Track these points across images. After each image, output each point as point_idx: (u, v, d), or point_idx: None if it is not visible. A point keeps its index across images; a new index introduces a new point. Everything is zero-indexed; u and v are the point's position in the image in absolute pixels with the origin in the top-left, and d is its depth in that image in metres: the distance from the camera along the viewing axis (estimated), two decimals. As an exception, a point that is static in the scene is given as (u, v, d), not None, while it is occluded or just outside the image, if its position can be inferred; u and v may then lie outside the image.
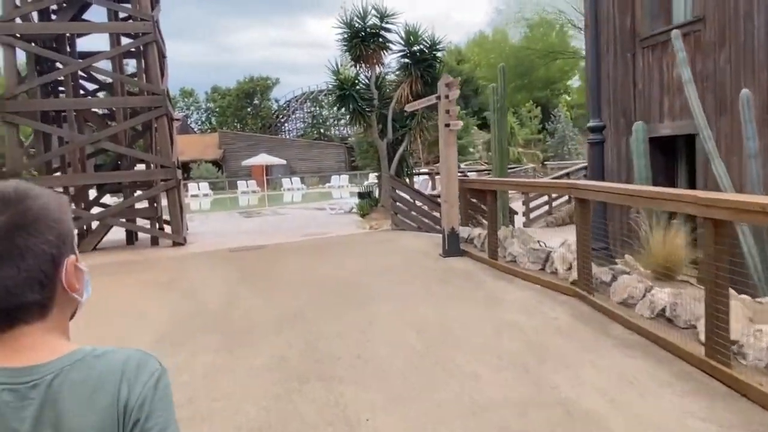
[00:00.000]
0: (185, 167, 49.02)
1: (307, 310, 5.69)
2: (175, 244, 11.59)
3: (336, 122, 64.20)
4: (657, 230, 5.81)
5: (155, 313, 6.00)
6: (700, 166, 8.63)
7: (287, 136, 61.45)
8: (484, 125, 53.19)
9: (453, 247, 8.45)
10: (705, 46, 8.30)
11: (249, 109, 65.71)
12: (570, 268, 6.45)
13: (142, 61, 12.16)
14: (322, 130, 62.08)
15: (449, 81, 8.31)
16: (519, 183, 7.99)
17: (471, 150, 51.41)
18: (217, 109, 69.62)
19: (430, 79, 14.03)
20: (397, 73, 14.62)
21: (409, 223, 12.33)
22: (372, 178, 43.05)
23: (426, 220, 12.45)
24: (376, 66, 14.32)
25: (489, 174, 27.19)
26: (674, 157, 9.89)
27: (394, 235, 11.35)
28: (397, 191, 12.37)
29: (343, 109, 14.18)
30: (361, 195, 16.07)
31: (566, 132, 50.01)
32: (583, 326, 4.87)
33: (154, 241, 11.97)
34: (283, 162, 43.58)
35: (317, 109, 63.95)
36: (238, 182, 43.04)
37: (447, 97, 8.28)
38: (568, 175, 19.54)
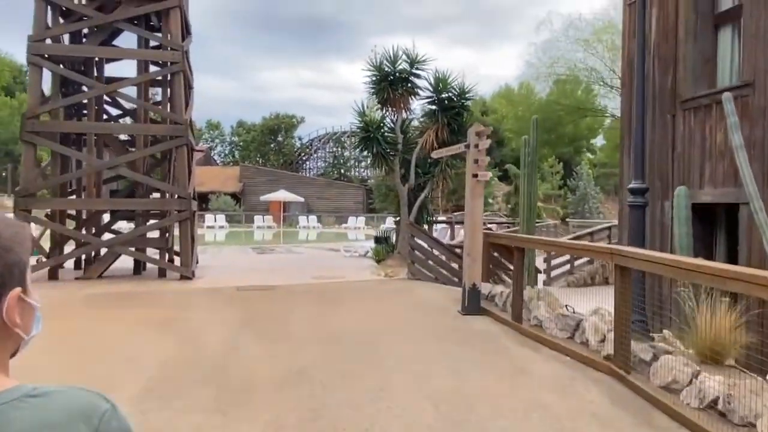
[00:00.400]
0: (204, 198, 49.33)
1: (313, 368, 5.16)
2: (183, 277, 11.18)
3: (357, 164, 64.53)
4: (704, 307, 5.25)
5: (147, 358, 5.51)
6: (743, 237, 8.07)
7: (308, 174, 61.73)
8: (504, 177, 53.04)
9: (473, 304, 7.90)
10: (753, 112, 7.85)
11: (272, 145, 66.43)
12: (603, 340, 5.87)
13: (168, 90, 12.04)
14: (342, 171, 62.33)
15: (480, 130, 7.94)
16: (553, 243, 7.49)
17: (490, 201, 51.07)
18: (241, 143, 70.52)
19: (456, 127, 13.75)
20: (423, 119, 14.37)
21: (426, 272, 11.82)
22: (389, 222, 42.81)
23: (444, 271, 11.93)
24: (403, 110, 14.09)
25: (510, 227, 26.67)
26: (713, 227, 9.34)
27: (411, 285, 10.82)
28: (415, 239, 11.90)
29: (366, 151, 13.89)
30: (377, 239, 15.63)
31: (588, 190, 49.52)
32: (623, 413, 4.28)
33: (162, 273, 11.57)
34: (302, 199, 43.49)
35: (339, 149, 64.40)
36: (254, 216, 42.93)
37: (477, 146, 7.89)
38: (591, 234, 18.92)
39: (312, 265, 14.68)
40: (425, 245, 11.90)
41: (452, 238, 18.39)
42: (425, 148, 13.69)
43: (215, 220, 40.29)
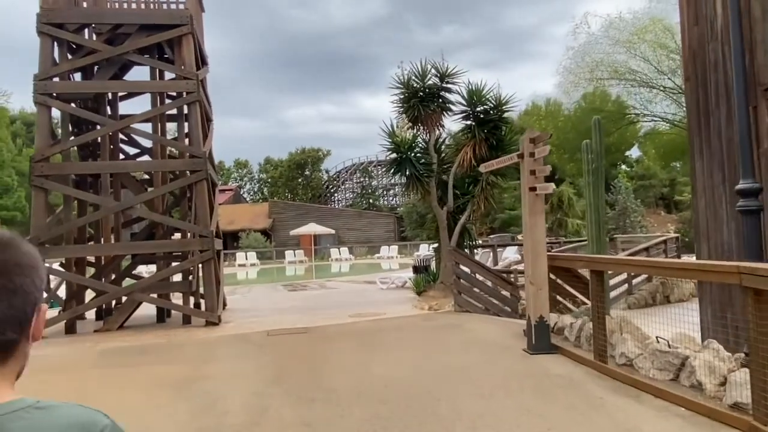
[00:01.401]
0: (235, 236, 48.97)
1: (359, 441, 4.04)
2: (209, 323, 10.20)
3: (385, 192, 63.80)
4: None
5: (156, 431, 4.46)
6: None
7: (337, 206, 61.19)
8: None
9: (542, 340, 6.68)
10: None
11: (300, 180, 66.39)
12: (723, 383, 4.61)
13: (185, 123, 11.27)
14: (371, 200, 61.63)
15: (535, 135, 6.83)
16: (644, 264, 6.24)
17: (525, 221, 49.46)
18: (269, 180, 70.72)
19: (495, 142, 12.65)
20: (459, 135, 13.30)
21: (475, 303, 10.60)
22: (423, 249, 41.54)
23: (495, 301, 10.71)
24: (436, 128, 13.06)
25: (552, 247, 25.17)
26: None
27: (460, 318, 9.62)
28: (460, 266, 10.73)
29: (398, 175, 12.85)
30: (416, 269, 14.47)
31: (628, 203, 47.64)
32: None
33: (187, 320, 10.62)
34: (332, 231, 42.66)
35: (367, 179, 63.83)
36: (285, 252, 42.19)
37: (532, 155, 6.77)
38: (647, 249, 17.43)
39: (348, 301, 13.58)
40: (472, 273, 10.72)
41: (495, 262, 17.11)
42: (462, 167, 12.61)
43: (246, 258, 39.62)
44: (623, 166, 61.36)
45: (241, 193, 73.11)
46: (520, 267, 17.32)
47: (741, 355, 4.90)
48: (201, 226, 10.38)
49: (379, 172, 63.84)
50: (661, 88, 25.89)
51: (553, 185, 6.38)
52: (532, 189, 6.71)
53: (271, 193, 67.92)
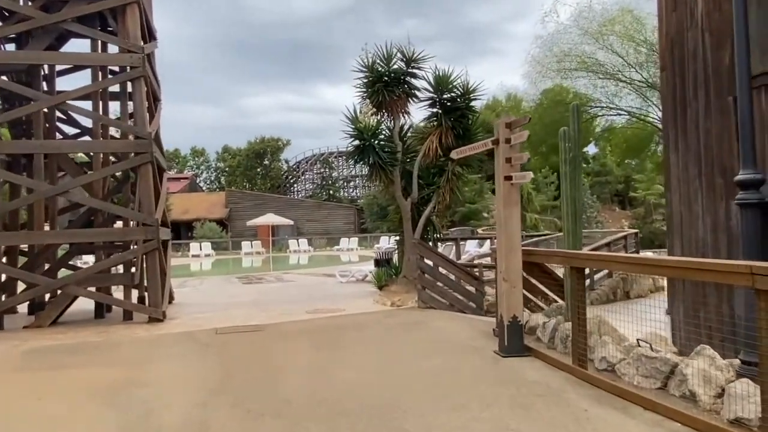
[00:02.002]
0: (189, 226, 47.36)
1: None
2: (152, 319, 9.38)
3: (345, 184, 63.00)
4: None
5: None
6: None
7: (296, 197, 60.12)
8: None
9: (515, 342, 6.18)
10: None
11: (259, 170, 65.03)
12: (721, 395, 4.18)
13: (128, 102, 10.34)
14: (331, 192, 60.77)
15: (511, 120, 6.30)
16: (637, 261, 5.78)
17: (485, 215, 49.58)
18: (227, 169, 69.03)
19: (461, 131, 12.14)
20: (424, 123, 12.74)
21: (439, 299, 10.10)
22: (383, 241, 41.01)
23: (460, 297, 10.23)
24: (401, 115, 12.46)
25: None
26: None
27: (425, 315, 9.08)
28: (425, 260, 10.20)
29: (361, 163, 12.21)
30: (377, 262, 13.89)
31: (584, 199, 48.32)
32: None
33: (128, 315, 9.75)
34: (291, 222, 41.67)
35: (327, 170, 62.91)
36: (242, 243, 41.03)
37: (508, 141, 6.24)
38: (608, 245, 17.29)
39: (305, 295, 12.90)
40: (438, 267, 10.20)
41: (458, 256, 16.68)
42: (428, 156, 12.06)
43: (201, 249, 38.33)
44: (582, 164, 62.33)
45: (198, 181, 71.08)
46: (483, 261, 16.96)
47: (736, 362, 4.50)
48: (145, 214, 9.53)
49: (340, 163, 63.03)
50: (628, 81, 25.86)
51: (531, 174, 5.88)
52: (508, 178, 6.19)
53: (228, 183, 66.27)
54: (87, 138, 11.33)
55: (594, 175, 55.23)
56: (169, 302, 11.93)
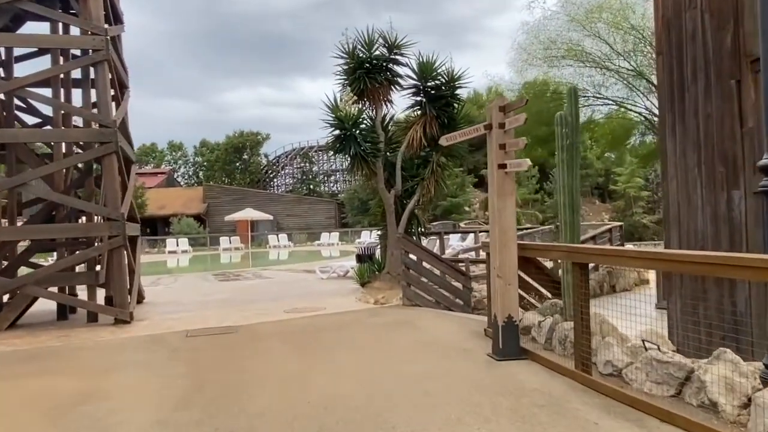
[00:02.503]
0: (166, 222, 46.28)
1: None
2: (118, 321, 8.75)
3: (326, 178, 62.28)
4: None
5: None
6: None
7: (276, 191, 59.26)
8: (480, 183, 51.30)
9: (510, 344, 5.70)
10: None
11: (238, 164, 64.05)
12: (747, 405, 3.74)
13: (92, 89, 9.64)
14: (312, 186, 60.01)
15: (505, 103, 5.80)
16: (647, 256, 5.32)
17: (467, 209, 49.33)
18: (205, 164, 67.91)
19: (446, 120, 11.62)
20: (408, 112, 12.22)
21: (425, 296, 9.62)
22: (365, 236, 40.45)
23: (447, 294, 9.76)
24: (383, 104, 11.90)
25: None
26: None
27: (411, 314, 8.59)
28: (410, 255, 9.70)
29: (341, 153, 11.61)
30: (359, 257, 13.34)
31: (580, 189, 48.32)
32: None
33: (92, 317, 9.10)
34: (270, 217, 41.00)
35: (307, 165, 62.11)
36: (220, 238, 40.17)
37: (502, 126, 5.74)
38: (593, 238, 16.99)
39: (284, 293, 12.32)
40: (424, 263, 9.71)
41: (442, 251, 16.21)
42: (412, 147, 11.53)
43: (177, 245, 37.42)
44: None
45: (175, 176, 69.81)
46: (468, 256, 16.52)
47: (761, 366, 4.07)
48: (110, 208, 8.87)
49: (321, 158, 62.29)
50: (615, 69, 25.47)
51: (527, 161, 5.39)
52: (502, 166, 5.69)
53: (206, 177, 65.14)
54: (49, 128, 10.63)
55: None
56: (139, 302, 11.30)
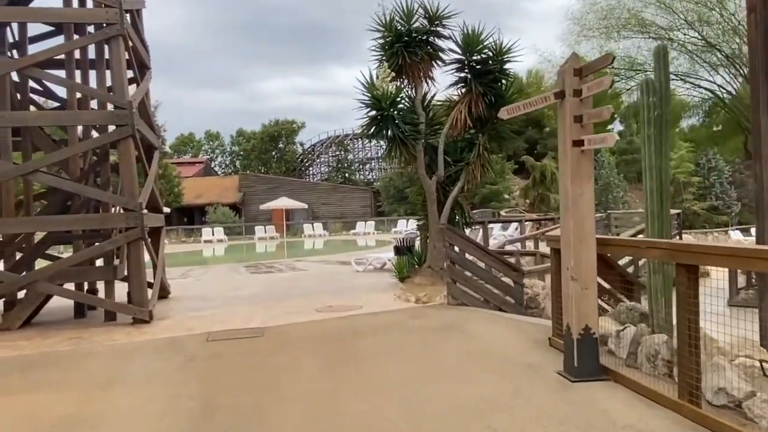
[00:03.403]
0: (203, 211, 46.18)
1: None
2: (137, 320, 8.00)
3: (361, 166, 61.42)
4: None
5: None
6: None
7: (311, 180, 58.77)
8: (519, 170, 49.58)
9: (588, 361, 4.65)
10: None
11: (274, 153, 63.78)
12: None
13: (107, 69, 8.86)
14: (347, 174, 59.27)
15: (581, 65, 4.70)
16: None
17: (506, 197, 47.76)
18: (242, 153, 67.97)
19: (494, 98, 10.51)
20: (451, 90, 11.10)
21: (473, 294, 8.58)
22: (401, 225, 39.44)
23: (496, 291, 8.71)
24: (424, 81, 10.84)
25: (540, 225, 23.29)
26: None
27: (457, 315, 7.57)
28: (455, 248, 8.67)
29: (378, 137, 10.59)
30: (398, 249, 12.37)
31: (611, 179, 46.36)
32: None
33: (110, 315, 8.38)
34: (305, 206, 40.38)
35: (342, 153, 61.35)
36: (255, 227, 39.76)
37: (578, 93, 4.65)
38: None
39: (317, 288, 11.45)
40: (472, 257, 8.68)
41: (485, 242, 15.10)
42: (455, 128, 10.46)
43: (213, 234, 37.12)
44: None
45: (212, 166, 70.08)
46: (512, 247, 15.38)
47: None
48: (126, 197, 8.10)
49: (356, 146, 61.49)
50: (680, 41, 23.37)
51: (615, 136, 4.28)
52: (578, 143, 4.61)
53: (243, 166, 65.14)
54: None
55: (619, 153, 53.12)
56: (164, 297, 10.59)
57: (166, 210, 37.33)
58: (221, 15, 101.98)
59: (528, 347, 5.71)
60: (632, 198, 49.10)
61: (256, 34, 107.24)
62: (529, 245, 15.87)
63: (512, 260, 10.13)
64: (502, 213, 36.91)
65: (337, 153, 61.88)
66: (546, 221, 22.67)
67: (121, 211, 8.23)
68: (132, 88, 9.39)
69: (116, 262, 9.19)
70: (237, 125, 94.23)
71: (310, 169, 64.05)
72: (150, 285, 8.75)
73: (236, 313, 8.67)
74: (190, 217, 48.35)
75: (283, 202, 36.24)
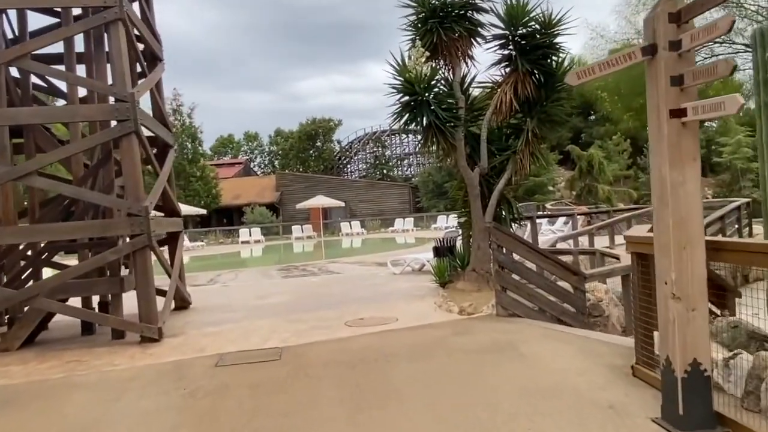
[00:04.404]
0: (240, 211, 45.85)
1: None
2: (145, 339, 7.11)
3: (399, 162, 60.29)
4: None
5: None
6: None
7: (350, 177, 58.02)
8: (564, 160, 47.50)
9: (698, 407, 3.43)
10: None
11: (311, 152, 63.38)
12: None
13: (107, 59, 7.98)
14: (385, 171, 58.24)
15: (679, 7, 3.46)
16: None
17: (551, 188, 45.80)
18: (280, 152, 67.86)
19: (543, 78, 9.26)
20: (493, 70, 9.86)
21: (526, 304, 7.38)
22: (440, 221, 38.09)
23: (552, 298, 7.48)
24: (462, 61, 9.64)
25: (591, 218, 21.70)
26: None
27: (510, 331, 6.39)
28: (504, 250, 7.47)
29: (412, 124, 9.41)
30: (437, 250, 11.21)
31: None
32: None
33: (118, 333, 7.52)
34: (342, 204, 39.47)
35: (380, 149, 60.35)
36: (292, 227, 39.13)
37: (675, 46, 3.42)
38: (721, 219, 13.97)
39: (350, 295, 10.40)
40: (526, 261, 7.47)
41: (533, 239, 13.79)
42: (500, 112, 9.24)
43: (250, 235, 36.64)
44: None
45: (251, 166, 70.20)
46: (564, 245, 14.01)
47: None
48: (130, 201, 7.20)
49: (393, 141, 60.45)
50: (754, 8, 21.19)
51: (739, 98, 3.03)
52: (678, 113, 3.38)
53: (281, 166, 64.98)
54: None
55: (670, 140, 50.37)
56: (184, 308, 9.76)
57: (202, 211, 37.08)
58: (259, 17, 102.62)
59: (605, 379, 4.49)
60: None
61: (294, 34, 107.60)
62: (582, 242, 14.45)
63: (564, 260, 8.85)
64: (548, 206, 35.18)
65: (375, 149, 60.98)
66: (598, 214, 21.10)
67: (125, 215, 7.35)
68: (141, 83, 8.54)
69: (126, 272, 8.36)
70: (276, 125, 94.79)
71: (348, 166, 63.42)
72: (162, 294, 7.87)
73: (256, 328, 7.70)
74: (229, 217, 48.17)
75: (320, 201, 35.45)
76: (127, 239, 7.46)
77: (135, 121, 7.21)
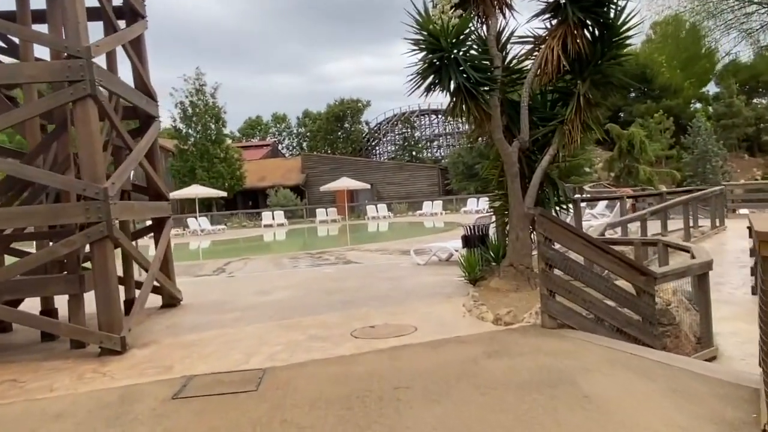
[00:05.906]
0: (265, 194, 44.73)
1: None
2: (105, 351, 5.77)
3: (429, 144, 58.39)
4: None
5: None
6: None
7: (378, 159, 56.44)
8: (601, 140, 45.05)
9: None
10: None
11: (340, 133, 62.07)
12: None
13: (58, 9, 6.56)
14: (414, 153, 56.45)
15: None
16: None
17: (587, 170, 43.40)
18: (308, 134, 66.72)
19: (598, 30, 7.53)
20: (536, 22, 8.14)
21: (578, 311, 5.77)
22: (471, 204, 36.24)
23: (611, 303, 5.85)
24: (498, 11, 7.95)
25: (636, 201, 19.72)
26: None
27: (562, 354, 4.80)
28: (553, 245, 5.85)
29: (437, 88, 7.79)
30: (467, 240, 9.61)
31: (708, 147, 41.11)
32: None
33: (76, 342, 6.19)
34: (367, 186, 37.98)
35: (409, 130, 58.51)
36: (316, 210, 37.84)
37: None
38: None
39: (364, 291, 8.91)
40: (581, 259, 5.86)
41: (578, 227, 12.07)
42: (545, 74, 7.54)
43: (273, 218, 35.46)
44: (698, 105, 53.94)
45: (279, 148, 69.18)
46: (612, 233, 12.26)
47: None
48: (85, 181, 5.82)
49: (423, 122, 58.58)
50: None
51: None
52: None
53: (309, 148, 63.84)
54: None
55: (717, 118, 47.41)
56: (173, 305, 8.44)
57: (222, 194, 35.98)
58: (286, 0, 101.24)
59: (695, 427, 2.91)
60: (733, 167, 43.65)
61: (323, 16, 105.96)
62: (631, 230, 12.68)
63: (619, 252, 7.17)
64: (586, 188, 33.06)
65: (404, 131, 59.23)
66: (646, 197, 19.12)
67: (80, 199, 5.97)
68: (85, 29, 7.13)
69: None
70: (305, 107, 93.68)
71: (377, 148, 61.92)
72: (131, 298, 6.52)
73: (244, 336, 6.30)
74: (254, 200, 47.18)
75: (344, 183, 34.01)
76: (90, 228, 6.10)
77: (91, 83, 5.80)
